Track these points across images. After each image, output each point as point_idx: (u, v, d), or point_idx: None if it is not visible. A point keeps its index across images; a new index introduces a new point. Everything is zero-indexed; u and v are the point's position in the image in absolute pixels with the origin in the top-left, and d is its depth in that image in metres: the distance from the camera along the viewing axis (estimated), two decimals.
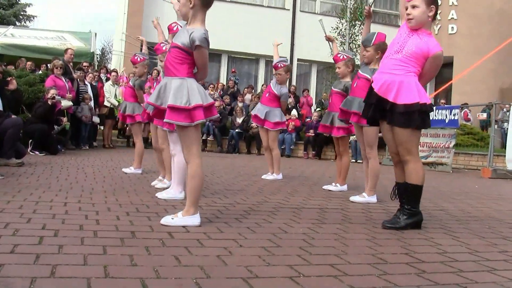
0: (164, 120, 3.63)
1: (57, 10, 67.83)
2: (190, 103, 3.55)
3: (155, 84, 6.86)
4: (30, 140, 9.70)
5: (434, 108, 12.85)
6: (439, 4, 18.43)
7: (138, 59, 7.07)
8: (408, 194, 4.07)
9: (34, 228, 3.22)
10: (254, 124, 14.20)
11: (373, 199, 5.65)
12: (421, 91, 3.95)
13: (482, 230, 4.24)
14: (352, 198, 5.69)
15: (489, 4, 20.42)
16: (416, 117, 3.92)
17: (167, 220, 3.62)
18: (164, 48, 5.88)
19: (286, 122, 7.91)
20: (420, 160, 4.16)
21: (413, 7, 4.01)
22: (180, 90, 3.58)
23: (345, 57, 6.57)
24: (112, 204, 4.43)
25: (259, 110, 7.82)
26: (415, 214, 4.05)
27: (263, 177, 7.81)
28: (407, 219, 4.01)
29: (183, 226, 3.52)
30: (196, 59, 3.64)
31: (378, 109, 4.10)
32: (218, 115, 3.85)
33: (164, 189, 5.50)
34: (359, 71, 5.91)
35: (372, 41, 5.70)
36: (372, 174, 5.68)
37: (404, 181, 4.10)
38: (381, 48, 5.57)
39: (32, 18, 31.03)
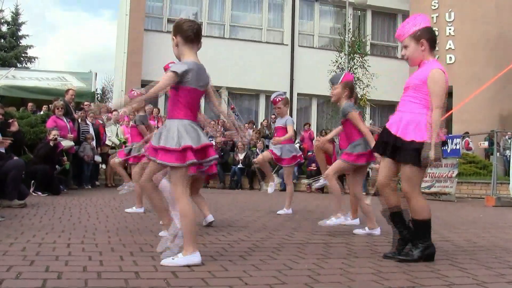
0: (158, 161, 3.66)
1: (57, 50, 68.59)
2: (180, 144, 3.58)
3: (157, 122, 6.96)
4: (33, 181, 9.69)
5: None
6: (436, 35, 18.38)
7: (135, 94, 7.14)
8: (418, 230, 4.08)
9: (37, 271, 3.20)
10: (256, 160, 14.22)
11: (377, 231, 5.62)
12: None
13: (489, 260, 4.20)
14: (356, 231, 5.66)
15: (484, 31, 20.60)
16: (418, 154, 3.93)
17: (167, 261, 3.57)
18: (135, 93, 5.98)
19: (300, 154, 8.03)
20: (421, 194, 4.18)
21: (405, 47, 4.21)
22: (172, 132, 3.62)
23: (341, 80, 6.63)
24: (115, 244, 4.40)
25: (275, 148, 7.95)
26: (427, 247, 4.05)
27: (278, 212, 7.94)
28: (421, 252, 4.02)
29: (187, 265, 3.49)
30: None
31: (389, 146, 4.12)
32: (217, 155, 3.87)
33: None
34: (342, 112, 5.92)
35: (340, 79, 5.83)
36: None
37: (400, 210, 4.14)
38: (349, 86, 5.75)
39: (33, 60, 31.31)
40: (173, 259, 3.57)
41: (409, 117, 4.04)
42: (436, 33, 21.23)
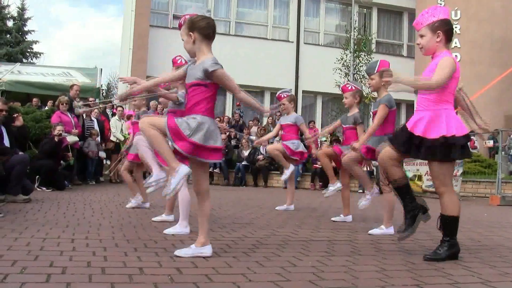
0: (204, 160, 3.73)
1: (62, 46, 68.71)
2: (192, 136, 3.58)
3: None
4: (37, 176, 9.72)
5: None
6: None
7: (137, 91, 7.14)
8: (446, 226, 4.08)
9: (41, 266, 3.20)
10: (260, 157, 14.21)
11: (391, 230, 5.57)
12: (450, 124, 3.95)
13: (493, 259, 4.19)
14: (371, 232, 5.58)
15: (490, 31, 20.55)
16: (441, 150, 3.93)
17: (182, 252, 3.76)
18: (179, 61, 5.89)
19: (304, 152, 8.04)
20: (454, 190, 4.18)
21: (421, 36, 4.18)
22: (190, 123, 3.61)
23: (353, 88, 6.57)
24: (119, 239, 4.41)
25: (287, 142, 7.96)
26: (454, 245, 4.06)
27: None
28: (448, 250, 4.03)
29: (196, 257, 3.57)
30: (221, 83, 3.72)
31: (409, 144, 4.12)
32: (220, 161, 3.96)
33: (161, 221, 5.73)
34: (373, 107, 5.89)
35: (376, 68, 5.73)
36: (389, 206, 5.65)
37: (440, 213, 4.11)
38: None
39: (38, 55, 31.36)
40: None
41: (428, 115, 4.02)
42: None
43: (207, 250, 3.76)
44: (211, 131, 3.64)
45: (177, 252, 3.75)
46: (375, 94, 6.41)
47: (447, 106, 4.03)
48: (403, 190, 4.24)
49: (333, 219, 6.70)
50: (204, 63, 3.67)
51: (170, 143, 3.62)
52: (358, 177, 6.21)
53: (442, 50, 4.12)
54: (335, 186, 6.84)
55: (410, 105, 22.35)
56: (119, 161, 8.46)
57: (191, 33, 3.78)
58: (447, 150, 3.94)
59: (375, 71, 5.73)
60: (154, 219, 5.89)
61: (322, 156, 6.87)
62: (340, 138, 7.06)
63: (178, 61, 5.53)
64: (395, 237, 5.24)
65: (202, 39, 3.78)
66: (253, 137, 16.27)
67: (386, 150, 4.25)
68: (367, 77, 6.14)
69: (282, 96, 7.92)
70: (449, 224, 4.07)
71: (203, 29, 3.76)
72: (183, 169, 3.59)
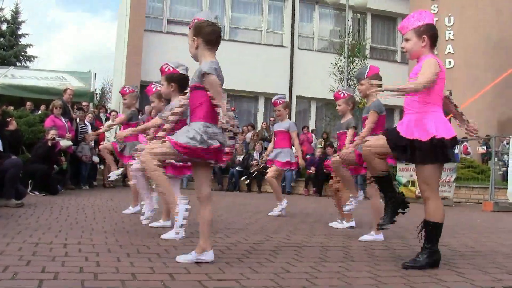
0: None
1: (56, 49, 68.63)
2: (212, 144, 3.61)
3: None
4: (30, 181, 9.67)
5: None
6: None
7: (127, 91, 7.16)
8: (428, 233, 4.05)
9: (33, 271, 3.18)
10: (254, 162, 14.22)
11: (381, 237, 5.57)
12: (439, 126, 3.94)
13: (487, 265, 4.20)
14: (362, 238, 5.55)
15: (485, 37, 20.63)
16: (432, 153, 3.91)
17: (182, 258, 3.76)
18: (154, 89, 6.00)
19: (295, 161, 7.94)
20: (439, 197, 4.16)
21: (406, 40, 4.20)
22: (189, 131, 3.64)
23: (346, 94, 6.58)
24: (112, 245, 4.39)
25: (271, 155, 7.97)
26: (434, 253, 4.02)
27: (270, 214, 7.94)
28: (427, 258, 3.98)
29: (193, 262, 3.55)
30: (208, 90, 3.67)
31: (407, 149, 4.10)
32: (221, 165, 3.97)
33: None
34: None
35: (366, 74, 5.76)
36: (377, 212, 5.63)
37: (424, 219, 4.09)
38: (375, 79, 5.64)
39: (32, 59, 31.30)
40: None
41: (415, 117, 4.02)
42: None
43: (208, 256, 3.74)
44: (210, 133, 3.63)
45: (178, 258, 3.75)
46: None
47: (434, 108, 4.02)
48: (385, 183, 4.22)
49: (331, 225, 6.69)
50: (201, 66, 3.70)
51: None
52: (344, 180, 6.18)
53: (427, 54, 4.13)
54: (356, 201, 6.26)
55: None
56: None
57: (195, 38, 3.79)
58: (438, 153, 3.93)
59: (365, 77, 5.76)
60: (151, 224, 5.86)
61: (338, 168, 6.23)
62: (334, 144, 7.03)
63: (166, 70, 5.50)
64: (388, 243, 5.25)
65: (205, 44, 3.78)
66: (254, 161, 16.02)
67: (373, 142, 4.23)
68: None
69: (278, 102, 7.90)
70: (431, 231, 4.04)
71: (207, 35, 3.77)
72: (183, 207, 3.65)
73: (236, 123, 3.64)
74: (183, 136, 3.62)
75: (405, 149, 4.01)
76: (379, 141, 4.17)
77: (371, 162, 4.20)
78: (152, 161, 3.65)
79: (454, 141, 3.99)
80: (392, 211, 4.15)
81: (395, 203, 4.16)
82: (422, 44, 4.11)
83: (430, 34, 4.13)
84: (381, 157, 4.18)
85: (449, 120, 4.31)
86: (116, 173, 7.51)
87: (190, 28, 3.91)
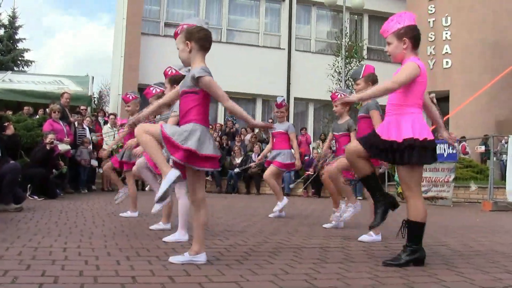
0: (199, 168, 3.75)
1: (54, 54, 68.59)
2: (185, 143, 3.59)
3: None
4: (29, 185, 9.66)
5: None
6: (430, 37, 18.50)
7: (130, 97, 7.11)
8: (410, 232, 4.07)
9: (33, 275, 3.18)
10: (253, 164, 14.21)
11: (379, 238, 5.56)
12: (415, 127, 3.95)
13: (486, 264, 4.20)
14: (361, 238, 5.55)
15: (481, 37, 20.65)
16: (409, 154, 3.92)
17: (175, 258, 3.80)
18: (154, 91, 6.02)
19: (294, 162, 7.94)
20: (421, 197, 4.15)
21: (388, 44, 4.23)
22: (182, 130, 3.65)
23: (342, 95, 6.57)
24: (112, 248, 4.39)
25: (269, 155, 8.02)
26: (416, 251, 4.03)
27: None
28: (408, 256, 4.00)
29: (190, 263, 3.52)
30: (208, 90, 3.73)
31: (388, 152, 4.11)
32: (216, 169, 4.03)
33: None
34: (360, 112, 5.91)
35: (361, 73, 5.76)
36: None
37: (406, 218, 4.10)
38: (371, 78, 5.65)
39: (30, 63, 31.23)
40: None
41: (394, 119, 4.04)
42: (432, 37, 21.42)
43: (201, 258, 3.77)
44: (203, 138, 3.65)
45: (171, 259, 3.78)
46: None
47: (413, 110, 4.03)
48: (371, 183, 4.24)
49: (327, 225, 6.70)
50: (193, 71, 3.72)
51: (165, 153, 3.67)
52: (342, 190, 6.14)
53: (410, 56, 4.14)
54: (356, 207, 6.19)
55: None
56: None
57: (188, 42, 3.81)
58: (414, 154, 3.92)
59: (361, 76, 5.77)
60: (151, 227, 5.86)
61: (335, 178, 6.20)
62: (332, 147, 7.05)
63: (169, 72, 5.54)
64: (387, 244, 5.25)
65: (198, 49, 3.83)
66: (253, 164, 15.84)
67: (354, 145, 4.26)
68: None
69: (283, 104, 7.93)
70: (412, 230, 4.07)
71: (201, 40, 3.82)
72: (172, 173, 3.62)
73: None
74: (169, 129, 3.67)
75: (385, 150, 4.03)
76: (359, 144, 4.20)
77: (355, 164, 4.24)
78: (144, 134, 3.66)
79: (431, 142, 4.00)
80: (382, 212, 4.17)
81: (385, 203, 4.18)
82: (403, 47, 4.13)
83: (411, 36, 4.13)
84: (364, 158, 4.20)
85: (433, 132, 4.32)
86: (124, 191, 7.51)
87: (176, 35, 3.94)
